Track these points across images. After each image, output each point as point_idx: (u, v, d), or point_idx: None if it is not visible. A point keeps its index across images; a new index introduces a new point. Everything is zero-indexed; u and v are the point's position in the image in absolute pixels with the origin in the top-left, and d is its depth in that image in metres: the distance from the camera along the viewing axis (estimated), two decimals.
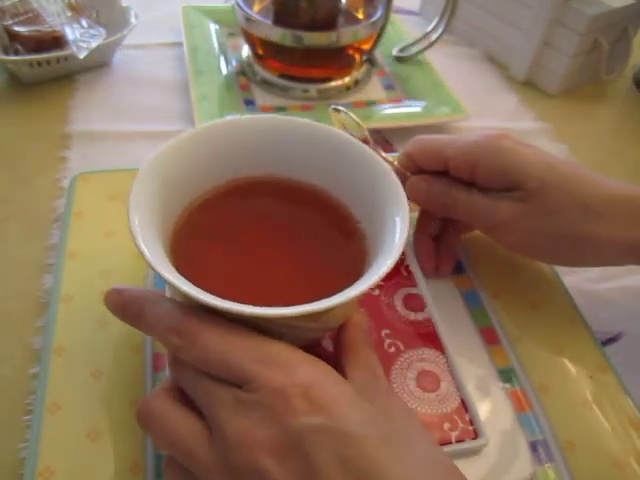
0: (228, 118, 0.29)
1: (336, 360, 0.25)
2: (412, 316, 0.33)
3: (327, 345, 0.29)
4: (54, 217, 0.39)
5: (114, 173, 0.38)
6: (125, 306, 0.24)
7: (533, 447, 0.29)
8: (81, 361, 0.29)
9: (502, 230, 0.32)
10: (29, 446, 0.26)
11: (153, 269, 0.22)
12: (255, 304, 0.21)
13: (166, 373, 0.29)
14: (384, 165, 0.28)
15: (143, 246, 0.22)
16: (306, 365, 0.22)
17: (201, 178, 0.29)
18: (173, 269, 0.23)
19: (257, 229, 0.29)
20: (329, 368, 0.23)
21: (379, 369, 0.25)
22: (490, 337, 0.33)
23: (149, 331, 0.24)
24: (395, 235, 0.25)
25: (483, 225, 0.33)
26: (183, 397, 0.23)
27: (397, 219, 0.25)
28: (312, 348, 0.23)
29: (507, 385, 0.31)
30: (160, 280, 0.33)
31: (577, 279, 0.38)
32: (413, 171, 0.34)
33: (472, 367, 0.32)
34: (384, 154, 0.34)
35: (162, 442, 0.22)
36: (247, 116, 0.30)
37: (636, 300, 0.38)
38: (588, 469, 0.28)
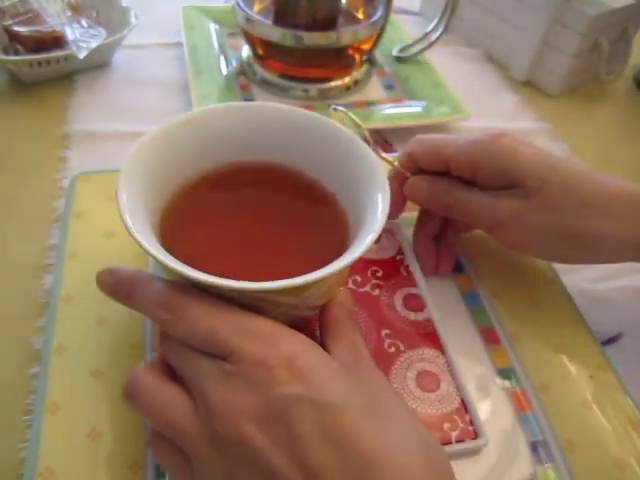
0: (220, 105, 0.30)
1: (321, 340, 0.26)
2: (412, 316, 0.33)
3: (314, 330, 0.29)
4: (54, 217, 0.39)
5: (114, 173, 0.37)
6: (117, 285, 0.25)
7: (533, 447, 0.29)
8: (81, 361, 0.29)
9: (503, 228, 0.32)
10: (29, 446, 0.26)
11: (136, 241, 0.22)
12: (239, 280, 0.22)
13: None
14: (364, 147, 0.28)
15: (128, 219, 0.23)
16: (288, 337, 0.23)
17: (191, 162, 0.30)
18: (159, 246, 0.24)
19: (243, 211, 0.30)
20: (311, 341, 0.24)
21: (362, 346, 0.26)
22: (490, 337, 0.33)
23: (139, 308, 0.24)
24: (377, 213, 0.25)
25: (484, 224, 0.33)
26: (170, 373, 0.24)
27: (379, 197, 0.26)
28: (299, 329, 0.24)
29: (507, 385, 0.31)
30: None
31: (577, 279, 0.38)
32: (413, 171, 0.34)
33: (472, 367, 0.32)
34: (384, 154, 0.34)
35: (149, 415, 0.23)
36: (238, 103, 0.31)
37: (636, 300, 0.38)
38: (588, 469, 0.28)
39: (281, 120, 0.30)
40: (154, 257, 0.22)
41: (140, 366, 0.24)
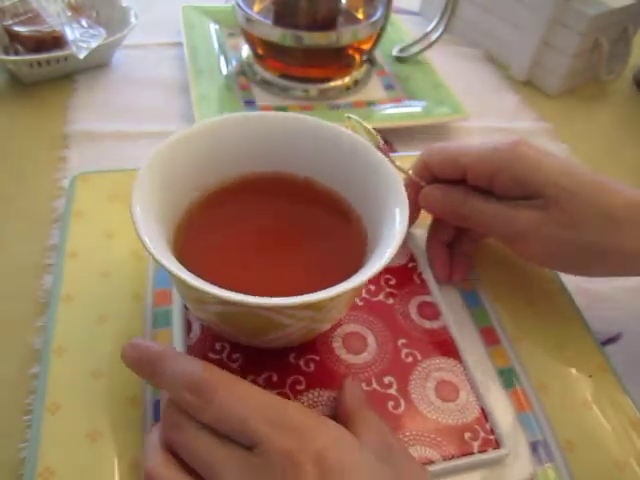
0: (234, 115, 0.29)
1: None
2: (427, 324, 0.33)
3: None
4: (54, 217, 0.39)
5: (114, 173, 0.38)
6: (142, 361, 0.24)
7: (533, 447, 0.29)
8: (81, 361, 0.29)
9: (521, 240, 0.31)
10: (29, 446, 0.26)
11: (151, 254, 0.22)
12: (258, 295, 0.21)
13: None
14: (382, 159, 0.28)
15: (144, 234, 0.22)
16: (319, 428, 0.22)
17: (205, 174, 0.29)
18: (174, 259, 0.23)
19: (260, 224, 0.30)
20: (343, 431, 0.23)
21: (388, 431, 0.25)
22: (490, 337, 0.33)
23: (165, 387, 0.23)
24: (395, 227, 0.25)
25: (501, 235, 0.32)
26: (183, 465, 0.23)
27: (396, 211, 0.26)
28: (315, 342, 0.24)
29: (507, 385, 0.31)
30: (161, 280, 0.33)
31: (577, 279, 0.38)
32: (428, 180, 0.33)
33: (472, 367, 0.32)
34: (398, 163, 0.34)
35: None
36: (252, 113, 0.31)
37: (636, 300, 0.38)
38: (588, 469, 0.28)
39: (298, 130, 0.30)
40: (171, 273, 0.22)
41: (155, 459, 0.23)
